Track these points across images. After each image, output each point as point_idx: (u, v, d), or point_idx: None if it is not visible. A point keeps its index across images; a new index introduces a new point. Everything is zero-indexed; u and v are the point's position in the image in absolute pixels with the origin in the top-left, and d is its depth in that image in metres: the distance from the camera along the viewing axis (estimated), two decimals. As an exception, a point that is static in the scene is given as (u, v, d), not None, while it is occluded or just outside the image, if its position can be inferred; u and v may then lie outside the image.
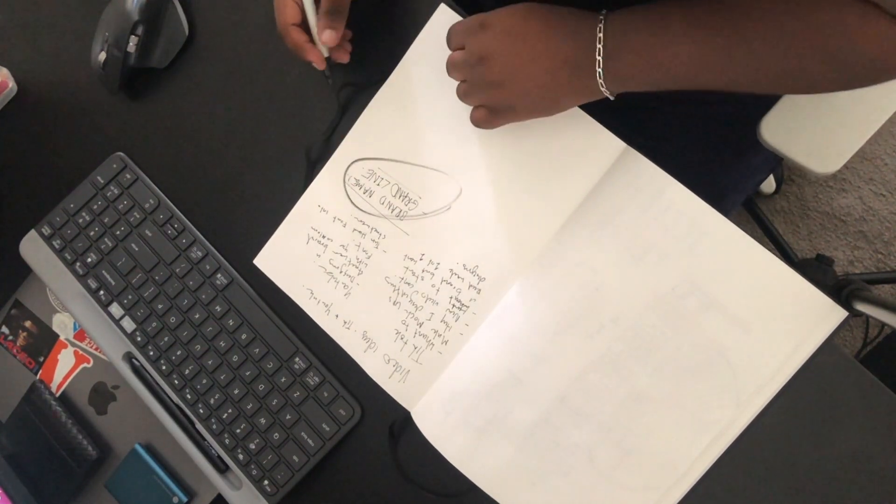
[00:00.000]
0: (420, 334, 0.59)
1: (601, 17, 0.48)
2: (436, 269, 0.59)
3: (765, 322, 0.51)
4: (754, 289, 0.51)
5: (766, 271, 0.51)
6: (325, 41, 0.57)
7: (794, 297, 0.51)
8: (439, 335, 0.58)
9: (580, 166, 0.56)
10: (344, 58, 0.60)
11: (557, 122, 0.56)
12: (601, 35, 0.48)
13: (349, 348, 0.61)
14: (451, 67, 0.54)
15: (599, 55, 0.48)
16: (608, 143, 0.55)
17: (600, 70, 0.48)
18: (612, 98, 0.51)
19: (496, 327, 0.57)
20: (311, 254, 0.62)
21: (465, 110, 0.57)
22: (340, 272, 0.62)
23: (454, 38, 0.54)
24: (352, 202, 0.62)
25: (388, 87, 0.61)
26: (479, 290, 0.58)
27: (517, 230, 0.57)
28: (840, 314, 0.50)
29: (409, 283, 0.60)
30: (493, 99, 0.53)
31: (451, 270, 0.59)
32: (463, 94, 0.54)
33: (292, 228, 0.63)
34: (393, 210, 0.61)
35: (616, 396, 0.53)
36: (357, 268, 0.61)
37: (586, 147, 0.56)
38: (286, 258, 0.63)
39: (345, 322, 0.61)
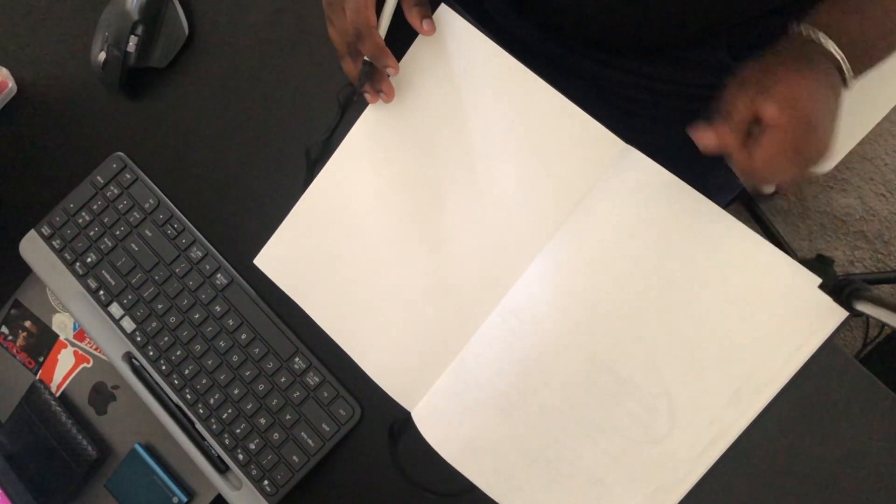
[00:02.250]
0: (421, 335, 0.59)
1: (831, 45, 0.48)
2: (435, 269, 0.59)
3: (765, 322, 0.51)
4: (756, 288, 0.51)
5: (767, 269, 0.51)
6: (427, 31, 0.55)
7: (794, 296, 0.51)
8: (440, 336, 0.58)
9: (578, 166, 0.56)
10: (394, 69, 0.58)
11: (554, 121, 0.56)
12: (841, 55, 0.48)
13: (349, 349, 0.61)
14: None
15: (850, 73, 0.48)
16: (606, 142, 0.55)
17: (847, 68, 0.49)
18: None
19: (497, 328, 0.57)
20: (312, 254, 0.62)
21: (466, 108, 0.57)
22: (340, 272, 0.62)
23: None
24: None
25: None
26: (480, 290, 0.58)
27: (517, 229, 0.57)
28: (840, 314, 0.50)
29: (412, 280, 0.60)
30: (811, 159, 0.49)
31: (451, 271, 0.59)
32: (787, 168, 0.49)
33: (293, 228, 0.63)
34: None
35: (617, 399, 0.53)
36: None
37: (584, 147, 0.56)
38: (286, 258, 0.63)
39: (345, 322, 0.61)
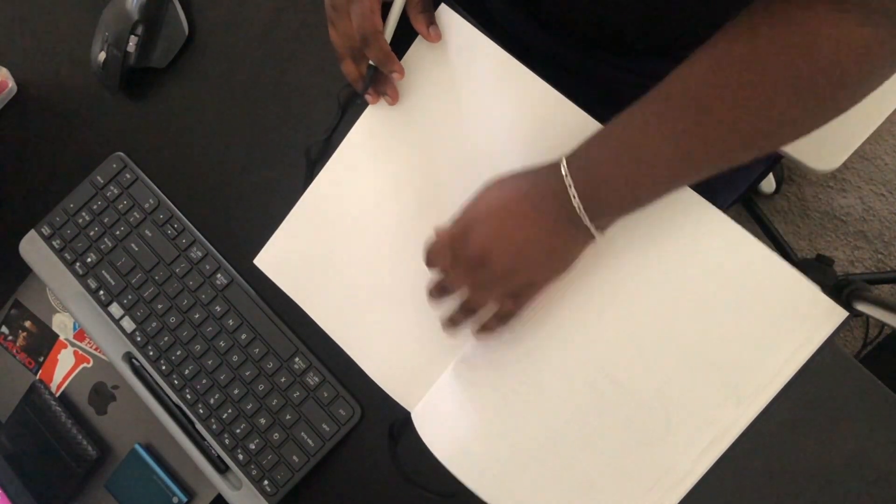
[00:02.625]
0: (421, 335, 0.59)
1: (562, 164, 0.47)
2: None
3: (765, 322, 0.51)
4: (755, 289, 0.51)
5: (767, 271, 0.51)
6: (434, 38, 0.56)
7: (795, 297, 0.51)
8: (439, 336, 0.58)
9: None
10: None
11: (554, 120, 0.56)
12: (570, 181, 0.46)
13: (349, 349, 0.61)
14: (451, 285, 0.52)
15: (576, 200, 0.46)
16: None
17: (585, 217, 0.47)
18: (602, 235, 0.50)
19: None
20: (311, 254, 0.62)
21: (467, 108, 0.57)
22: (340, 272, 0.62)
23: (437, 258, 0.52)
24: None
25: None
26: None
27: None
28: (840, 314, 0.50)
29: (412, 280, 0.60)
30: (509, 287, 0.51)
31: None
32: (475, 306, 0.52)
33: (293, 228, 0.63)
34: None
35: (614, 402, 0.53)
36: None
37: None
38: (286, 258, 0.63)
39: (345, 322, 0.61)
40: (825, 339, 0.50)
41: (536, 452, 0.55)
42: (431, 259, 0.53)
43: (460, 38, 0.58)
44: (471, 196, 0.52)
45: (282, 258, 0.63)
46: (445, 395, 0.58)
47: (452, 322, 0.55)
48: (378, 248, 0.61)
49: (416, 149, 0.60)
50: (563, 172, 0.47)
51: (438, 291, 0.55)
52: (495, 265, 0.49)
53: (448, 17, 0.58)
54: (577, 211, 0.47)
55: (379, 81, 0.58)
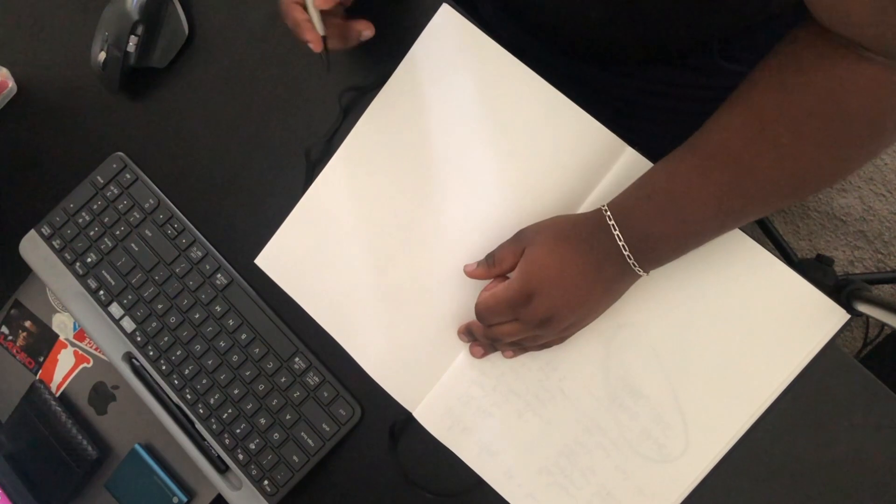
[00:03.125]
0: (422, 334, 0.59)
1: (610, 221, 0.49)
2: (438, 266, 0.59)
3: (767, 324, 0.51)
4: (757, 292, 0.51)
5: (768, 274, 0.51)
6: (319, 4, 0.52)
7: (796, 300, 0.51)
8: (441, 336, 0.58)
9: (579, 166, 0.56)
10: (339, 44, 0.55)
11: (555, 121, 0.56)
12: (623, 243, 0.48)
13: (350, 348, 0.61)
14: (506, 336, 0.53)
15: (631, 260, 0.49)
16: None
17: (639, 270, 0.49)
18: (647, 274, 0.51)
19: None
20: (312, 253, 0.62)
21: (467, 111, 0.57)
22: (341, 272, 0.62)
23: (495, 317, 0.53)
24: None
25: (388, 89, 0.61)
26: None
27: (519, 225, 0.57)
28: (842, 316, 0.50)
29: (413, 280, 0.60)
30: (566, 333, 0.54)
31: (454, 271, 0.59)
32: (526, 347, 0.55)
33: (293, 229, 0.63)
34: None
35: (632, 413, 0.53)
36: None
37: (585, 146, 0.56)
38: (287, 258, 0.63)
39: (346, 322, 0.61)
40: (827, 341, 0.50)
41: (551, 457, 0.55)
42: (487, 318, 0.54)
43: (462, 37, 0.58)
44: (509, 249, 0.53)
45: (282, 258, 0.63)
46: (449, 394, 0.58)
47: (485, 350, 0.56)
48: (379, 249, 0.61)
49: (417, 149, 0.60)
50: (616, 234, 0.49)
51: (487, 341, 0.55)
52: (560, 323, 0.51)
53: (449, 17, 0.58)
54: (632, 267, 0.49)
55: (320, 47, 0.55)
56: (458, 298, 0.58)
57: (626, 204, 0.49)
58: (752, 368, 0.51)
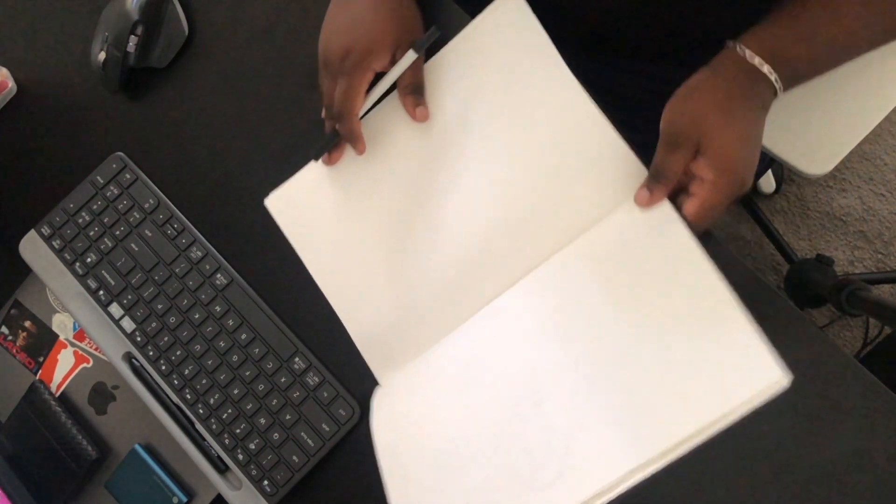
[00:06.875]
0: (408, 315, 0.59)
1: (735, 47, 0.49)
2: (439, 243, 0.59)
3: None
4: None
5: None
6: (421, 118, 0.58)
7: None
8: (426, 321, 0.58)
9: (595, 190, 0.55)
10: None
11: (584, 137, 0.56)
12: (774, 77, 0.49)
13: (337, 306, 0.61)
14: (713, 205, 0.50)
15: (773, 76, 0.49)
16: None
17: (780, 91, 0.50)
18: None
19: (475, 328, 0.56)
20: (324, 206, 0.62)
21: (502, 104, 0.57)
22: (348, 231, 0.61)
23: (714, 213, 0.50)
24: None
25: (435, 62, 0.60)
26: (471, 288, 0.57)
27: (520, 239, 0.56)
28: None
29: (420, 255, 0.59)
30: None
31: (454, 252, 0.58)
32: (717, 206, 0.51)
33: (309, 178, 0.62)
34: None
35: (524, 419, 0.52)
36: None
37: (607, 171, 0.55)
38: (297, 204, 0.62)
39: (339, 281, 0.61)
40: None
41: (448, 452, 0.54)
42: (708, 215, 0.50)
43: (519, 32, 0.57)
44: (676, 158, 0.49)
45: (293, 204, 0.62)
46: (417, 378, 0.58)
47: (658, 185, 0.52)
48: (391, 221, 0.60)
49: (441, 134, 0.59)
50: (773, 80, 0.49)
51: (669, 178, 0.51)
52: (747, 189, 0.50)
53: (516, 4, 0.57)
54: (780, 94, 0.50)
55: (338, 146, 0.60)
56: (451, 290, 0.58)
57: (776, 46, 0.49)
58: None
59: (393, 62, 0.57)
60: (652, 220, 0.51)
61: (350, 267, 0.61)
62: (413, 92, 0.58)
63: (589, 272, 0.53)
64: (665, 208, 0.51)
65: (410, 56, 0.56)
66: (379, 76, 0.58)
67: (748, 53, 0.48)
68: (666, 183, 0.50)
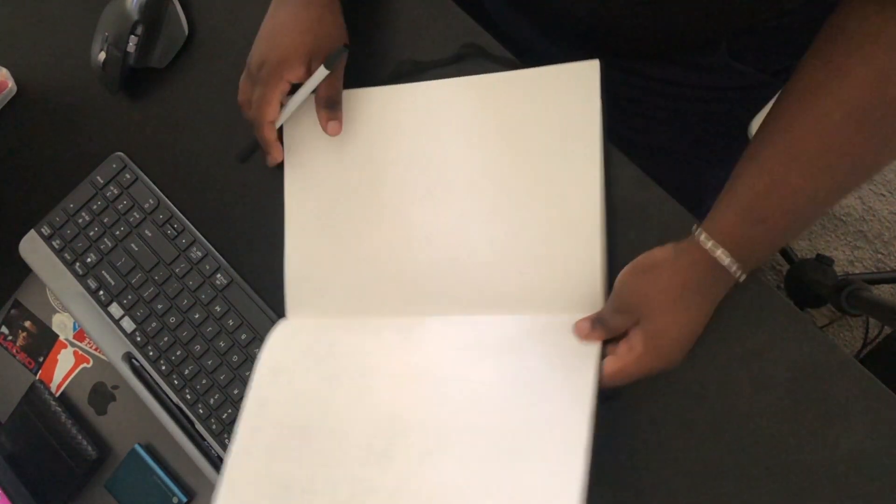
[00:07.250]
0: (357, 276, 0.59)
1: (719, 253, 0.47)
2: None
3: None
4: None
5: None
6: (332, 132, 0.59)
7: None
8: (370, 293, 0.59)
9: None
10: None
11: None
12: (734, 269, 0.47)
13: (289, 235, 0.62)
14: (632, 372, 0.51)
15: (739, 274, 0.48)
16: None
17: (739, 274, 0.48)
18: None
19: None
20: (321, 150, 0.62)
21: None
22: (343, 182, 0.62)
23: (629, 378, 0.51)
24: None
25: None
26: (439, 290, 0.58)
27: (484, 273, 0.57)
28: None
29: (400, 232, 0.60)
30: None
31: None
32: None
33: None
34: None
35: (361, 461, 0.52)
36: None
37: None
38: (304, 140, 0.62)
39: (306, 221, 0.62)
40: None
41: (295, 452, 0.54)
42: (622, 380, 0.51)
43: (581, 96, 0.56)
44: (622, 320, 0.51)
45: (302, 139, 0.63)
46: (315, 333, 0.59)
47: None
48: (374, 201, 0.60)
49: (450, 144, 0.60)
50: (733, 270, 0.47)
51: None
52: (667, 369, 0.51)
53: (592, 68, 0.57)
54: (738, 279, 0.48)
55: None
56: (416, 278, 0.58)
57: (738, 233, 0.47)
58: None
59: (309, 74, 0.57)
60: (577, 346, 0.52)
61: (322, 214, 0.61)
62: (326, 106, 0.59)
63: (505, 348, 0.54)
64: (594, 344, 0.52)
65: (322, 72, 0.56)
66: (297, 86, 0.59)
67: (711, 245, 0.47)
68: (606, 332, 0.52)
